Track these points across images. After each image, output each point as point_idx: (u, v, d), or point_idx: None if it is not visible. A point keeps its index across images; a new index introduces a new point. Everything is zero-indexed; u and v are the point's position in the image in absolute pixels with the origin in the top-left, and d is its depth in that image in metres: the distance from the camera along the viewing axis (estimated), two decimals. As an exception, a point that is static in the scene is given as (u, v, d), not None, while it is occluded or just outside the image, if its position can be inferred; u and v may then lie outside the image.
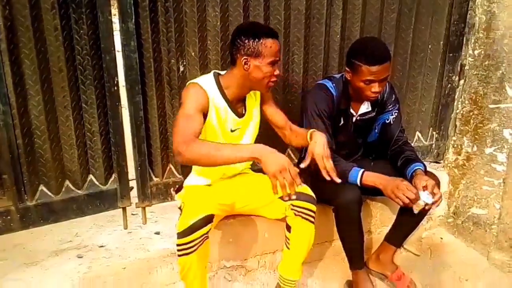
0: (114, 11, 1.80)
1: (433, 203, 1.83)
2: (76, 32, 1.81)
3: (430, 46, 2.52)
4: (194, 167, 1.90)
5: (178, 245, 1.63)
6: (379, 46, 1.87)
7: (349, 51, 1.94)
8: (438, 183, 1.98)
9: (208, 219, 1.63)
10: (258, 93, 1.90)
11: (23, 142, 1.81)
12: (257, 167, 2.22)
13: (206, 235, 1.64)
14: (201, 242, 1.63)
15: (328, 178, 1.73)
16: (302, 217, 1.81)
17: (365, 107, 2.09)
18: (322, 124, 1.98)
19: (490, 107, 2.32)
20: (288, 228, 1.86)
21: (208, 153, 1.54)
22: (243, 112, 1.86)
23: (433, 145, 2.70)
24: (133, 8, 1.82)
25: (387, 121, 2.14)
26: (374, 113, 2.13)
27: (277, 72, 1.73)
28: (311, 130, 1.87)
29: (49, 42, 1.76)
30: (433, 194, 1.83)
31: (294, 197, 1.57)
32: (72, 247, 2.17)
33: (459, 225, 2.56)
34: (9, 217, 1.86)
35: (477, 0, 2.35)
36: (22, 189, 1.86)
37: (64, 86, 1.84)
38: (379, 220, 2.48)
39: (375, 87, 1.87)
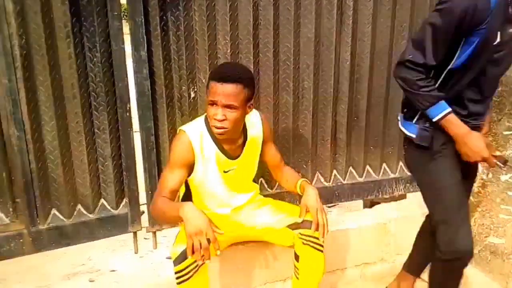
0: (127, 39, 1.86)
1: None
2: (90, 60, 1.87)
3: (441, 72, 2.51)
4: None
5: (175, 273, 1.64)
6: None
7: None
8: None
9: None
10: (260, 130, 1.89)
11: (36, 167, 1.85)
12: (267, 192, 2.25)
13: None
14: (197, 268, 1.64)
15: (321, 233, 1.74)
16: (310, 246, 1.79)
17: None
18: (429, 35, 1.55)
19: (504, 133, 2.28)
20: (297, 257, 1.84)
21: (158, 214, 1.71)
22: (239, 153, 1.84)
23: (448, 172, 2.65)
24: (145, 37, 1.88)
25: None
26: None
27: (218, 116, 1.64)
28: (301, 180, 1.89)
29: (64, 69, 1.82)
30: None
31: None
32: (84, 271, 2.20)
33: (476, 254, 2.47)
34: (21, 240, 1.89)
35: (489, 26, 2.34)
36: (35, 212, 1.89)
37: (78, 112, 1.89)
38: (393, 249, 2.43)
39: None
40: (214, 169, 1.80)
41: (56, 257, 2.26)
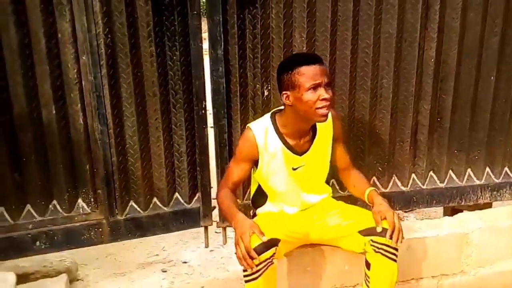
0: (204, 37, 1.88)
1: None
2: (170, 59, 1.92)
3: (539, 72, 2.28)
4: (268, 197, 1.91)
5: (243, 271, 1.64)
6: None
7: None
8: None
9: (271, 244, 1.61)
10: (330, 127, 1.84)
11: (117, 160, 1.94)
12: (339, 194, 2.18)
13: (270, 260, 1.63)
14: (265, 267, 1.62)
15: (394, 239, 1.68)
16: (382, 254, 1.71)
17: None
18: None
19: None
20: (368, 265, 1.77)
21: (218, 205, 1.85)
22: (307, 149, 1.81)
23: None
24: (222, 36, 1.90)
25: None
26: None
27: (324, 95, 1.63)
28: (370, 189, 1.85)
29: (145, 67, 1.89)
30: None
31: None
32: (158, 261, 2.27)
33: None
34: (100, 230, 1.99)
35: None
36: (114, 203, 1.98)
37: (157, 109, 1.95)
38: (475, 261, 2.27)
39: None
40: (281, 165, 1.79)
41: (132, 246, 2.37)
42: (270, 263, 1.65)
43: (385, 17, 2.07)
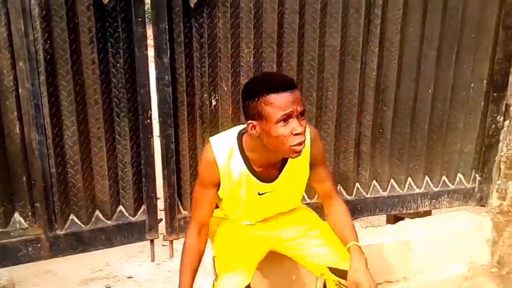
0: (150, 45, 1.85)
1: None
2: (113, 66, 1.86)
3: (472, 85, 2.42)
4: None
5: None
6: None
7: None
8: None
9: None
10: (306, 150, 1.57)
11: (56, 172, 1.85)
12: (305, 202, 2.17)
13: None
14: None
15: None
16: None
17: None
18: None
19: None
20: None
21: (181, 256, 1.63)
22: (276, 176, 1.60)
23: (476, 189, 2.55)
24: (168, 44, 1.87)
25: None
26: None
27: (297, 129, 1.39)
28: (350, 244, 1.59)
29: (87, 75, 1.82)
30: None
31: None
32: (101, 276, 2.19)
33: (504, 276, 2.37)
34: (38, 245, 1.89)
35: (523, 38, 2.25)
36: (53, 217, 1.89)
37: (99, 118, 1.88)
38: (416, 267, 2.35)
39: None
40: (245, 191, 1.61)
41: (74, 261, 2.26)
42: None
43: (329, 31, 2.12)
